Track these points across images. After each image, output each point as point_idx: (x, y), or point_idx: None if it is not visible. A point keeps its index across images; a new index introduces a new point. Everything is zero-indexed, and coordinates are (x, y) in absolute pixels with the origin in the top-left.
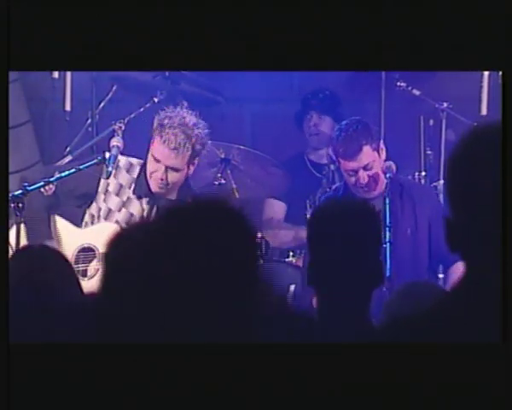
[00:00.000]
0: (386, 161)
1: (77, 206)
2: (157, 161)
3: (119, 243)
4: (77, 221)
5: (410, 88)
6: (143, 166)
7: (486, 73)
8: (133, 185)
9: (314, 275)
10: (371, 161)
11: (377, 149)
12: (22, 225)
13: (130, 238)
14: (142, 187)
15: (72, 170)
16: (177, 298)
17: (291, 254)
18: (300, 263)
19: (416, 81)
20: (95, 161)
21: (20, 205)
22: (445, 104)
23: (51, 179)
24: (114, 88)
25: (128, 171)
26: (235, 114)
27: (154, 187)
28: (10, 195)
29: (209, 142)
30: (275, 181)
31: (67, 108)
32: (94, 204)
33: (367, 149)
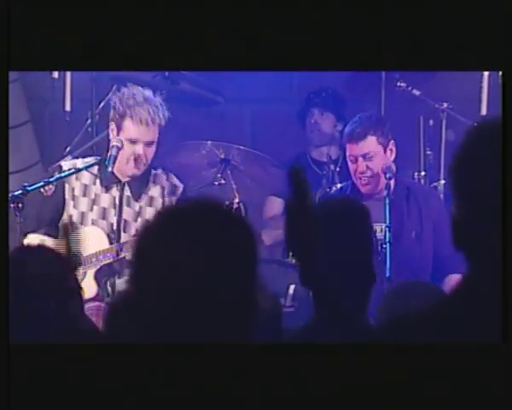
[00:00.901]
0: None
1: (47, 225)
2: (134, 142)
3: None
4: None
5: (410, 88)
6: (102, 159)
7: (486, 73)
8: (97, 181)
9: (306, 274)
10: (373, 152)
11: (384, 146)
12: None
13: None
14: (107, 178)
15: (72, 170)
16: (177, 298)
17: (291, 254)
18: None
19: (416, 81)
20: (94, 161)
21: (20, 205)
22: (445, 104)
23: (51, 179)
24: (114, 88)
25: (87, 169)
26: (235, 114)
27: (130, 170)
28: (10, 195)
29: (209, 142)
30: (275, 181)
31: (67, 108)
32: (65, 214)
33: (372, 139)
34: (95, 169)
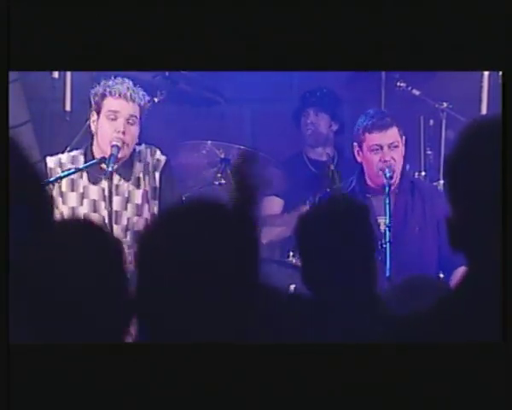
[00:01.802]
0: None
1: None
2: (114, 117)
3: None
4: None
5: (410, 88)
6: (87, 151)
7: (486, 73)
8: (84, 174)
9: (308, 274)
10: (396, 142)
11: (401, 141)
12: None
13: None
14: (94, 171)
15: (72, 170)
16: (177, 298)
17: (291, 254)
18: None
19: (416, 81)
20: (95, 161)
21: None
22: (445, 104)
23: (51, 179)
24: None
25: (73, 163)
26: (235, 114)
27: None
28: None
29: (209, 142)
30: (275, 181)
31: (67, 108)
32: (55, 211)
33: (395, 129)
34: (80, 162)
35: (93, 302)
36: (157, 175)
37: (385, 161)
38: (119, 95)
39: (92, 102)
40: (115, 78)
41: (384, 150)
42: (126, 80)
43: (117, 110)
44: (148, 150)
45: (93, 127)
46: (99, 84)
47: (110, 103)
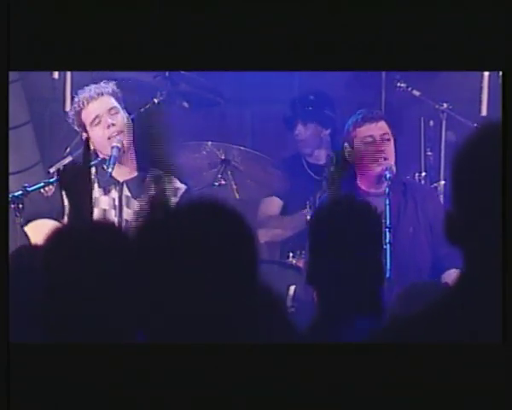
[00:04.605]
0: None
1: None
2: (98, 117)
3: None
4: None
5: (410, 89)
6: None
7: (486, 74)
8: (95, 183)
9: (314, 274)
10: (388, 135)
11: (392, 139)
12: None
13: (131, 239)
14: (105, 180)
15: None
16: (178, 298)
17: (291, 254)
18: (300, 264)
19: (416, 82)
20: (94, 162)
21: (21, 206)
22: (446, 105)
23: (51, 180)
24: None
25: None
26: (235, 114)
27: (109, 146)
28: (10, 196)
29: (209, 143)
30: (275, 182)
31: (67, 108)
32: (65, 218)
33: (384, 123)
34: (92, 172)
35: (93, 302)
36: (174, 199)
37: (379, 151)
38: (87, 101)
39: (76, 127)
40: (77, 93)
41: (377, 141)
42: (87, 88)
43: (96, 114)
44: (166, 177)
45: (91, 145)
46: (72, 105)
47: (87, 113)
